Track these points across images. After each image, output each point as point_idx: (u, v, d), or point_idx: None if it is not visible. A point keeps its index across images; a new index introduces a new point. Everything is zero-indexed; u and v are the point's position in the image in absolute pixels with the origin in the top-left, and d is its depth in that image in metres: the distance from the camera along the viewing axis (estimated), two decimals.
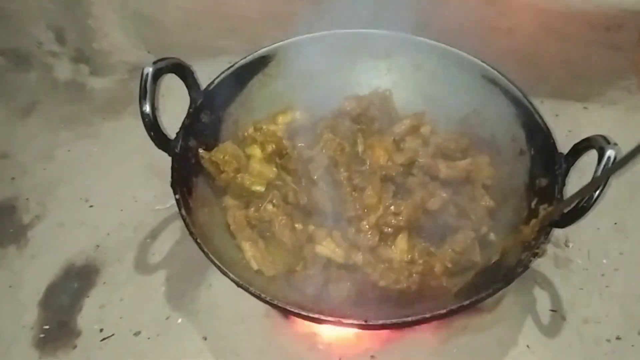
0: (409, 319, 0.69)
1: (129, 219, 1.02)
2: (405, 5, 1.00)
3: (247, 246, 0.83)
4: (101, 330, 0.88)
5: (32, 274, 0.96)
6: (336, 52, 1.02)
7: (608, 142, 0.72)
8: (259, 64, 0.98)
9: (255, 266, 0.82)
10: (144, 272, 0.95)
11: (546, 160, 0.83)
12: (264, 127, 0.96)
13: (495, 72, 0.92)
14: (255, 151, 0.93)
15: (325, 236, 0.84)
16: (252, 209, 0.87)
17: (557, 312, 0.88)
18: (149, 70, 0.80)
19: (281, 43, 0.98)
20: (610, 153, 0.71)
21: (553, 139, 0.83)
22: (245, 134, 0.95)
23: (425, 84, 1.02)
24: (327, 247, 0.83)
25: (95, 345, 0.87)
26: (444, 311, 0.68)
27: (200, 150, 0.88)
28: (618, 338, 0.86)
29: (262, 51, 0.97)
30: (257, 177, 0.90)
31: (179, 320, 0.88)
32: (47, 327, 0.89)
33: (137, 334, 0.88)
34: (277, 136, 0.93)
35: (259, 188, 0.89)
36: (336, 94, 1.03)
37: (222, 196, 0.90)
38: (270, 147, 0.92)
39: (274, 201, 0.87)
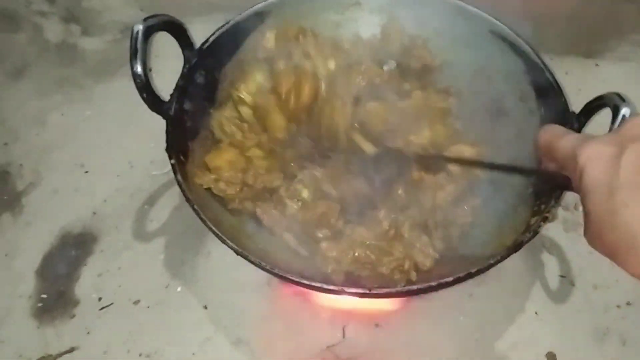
0: (414, 287, 0.67)
1: (125, 185, 1.00)
2: None
3: None
4: (100, 299, 0.87)
5: (27, 242, 0.94)
6: (336, 7, 0.97)
7: (623, 100, 0.68)
8: (255, 20, 0.93)
9: None
10: (142, 240, 0.93)
11: (557, 120, 0.78)
12: (245, 118, 0.89)
13: (504, 27, 0.88)
14: (256, 152, 0.87)
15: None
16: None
17: (566, 278, 0.86)
18: (140, 27, 0.76)
19: None
20: (625, 111, 0.67)
21: (565, 97, 0.79)
22: (232, 139, 0.87)
23: (429, 41, 0.97)
24: None
25: (93, 315, 0.85)
26: (450, 279, 0.66)
27: (200, 181, 0.82)
28: (628, 304, 0.84)
29: (258, 7, 0.92)
30: (270, 172, 0.85)
31: (179, 289, 0.87)
32: (44, 296, 0.88)
33: (136, 302, 0.86)
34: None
35: (278, 182, 0.84)
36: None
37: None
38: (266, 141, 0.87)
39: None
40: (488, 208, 0.82)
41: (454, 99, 0.93)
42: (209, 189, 0.83)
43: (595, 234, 0.47)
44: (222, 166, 0.84)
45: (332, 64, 0.91)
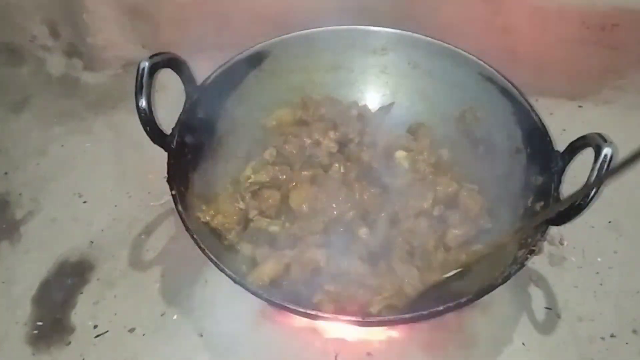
0: (407, 316, 0.70)
1: (123, 215, 1.02)
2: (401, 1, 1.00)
3: None
4: (95, 326, 0.88)
5: (25, 270, 0.95)
6: (332, 48, 1.02)
7: (605, 140, 0.72)
8: (254, 60, 0.97)
9: None
10: (139, 269, 0.94)
11: (542, 158, 0.83)
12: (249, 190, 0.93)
13: (493, 70, 0.92)
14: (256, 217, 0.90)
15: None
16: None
17: (552, 310, 0.88)
18: (145, 64, 0.79)
19: (277, 39, 0.98)
20: (607, 151, 0.71)
21: (550, 137, 0.83)
22: (240, 206, 0.90)
23: (421, 82, 1.02)
24: None
25: (89, 342, 0.86)
26: (441, 308, 0.68)
27: (198, 215, 0.85)
28: (612, 336, 0.86)
29: (257, 47, 0.97)
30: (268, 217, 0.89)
31: (174, 317, 0.88)
32: (40, 323, 0.89)
33: (131, 330, 0.87)
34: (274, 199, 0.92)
35: (275, 228, 0.88)
36: (333, 91, 1.04)
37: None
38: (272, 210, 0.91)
39: None
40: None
41: (445, 150, 0.97)
42: (206, 224, 0.86)
43: None
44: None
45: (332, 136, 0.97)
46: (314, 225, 0.86)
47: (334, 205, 0.88)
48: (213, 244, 0.82)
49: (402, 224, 0.87)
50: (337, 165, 0.93)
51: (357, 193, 0.89)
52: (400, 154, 0.96)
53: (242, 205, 0.90)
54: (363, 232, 0.86)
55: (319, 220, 0.87)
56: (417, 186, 0.91)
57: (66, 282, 0.94)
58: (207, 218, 0.86)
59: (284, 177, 0.92)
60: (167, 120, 0.87)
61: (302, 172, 0.92)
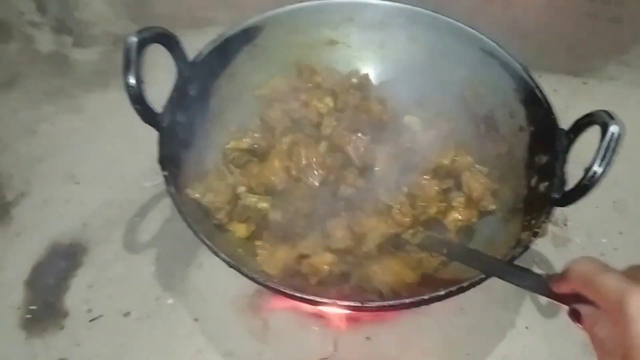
0: (407, 300, 0.68)
1: (116, 196, 1.00)
2: None
3: None
4: (89, 310, 0.86)
5: (17, 253, 0.93)
6: (328, 22, 0.99)
7: (612, 118, 0.69)
8: (248, 35, 0.94)
9: None
10: (133, 251, 0.93)
11: (546, 136, 0.80)
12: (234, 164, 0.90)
13: (495, 44, 0.89)
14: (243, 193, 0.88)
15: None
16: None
17: None
18: (134, 39, 0.76)
19: (270, 13, 0.94)
20: (614, 129, 0.68)
21: (554, 115, 0.80)
22: (228, 180, 0.87)
23: (420, 57, 0.99)
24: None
25: (83, 326, 0.85)
26: (442, 292, 0.66)
27: (188, 191, 0.82)
28: None
29: (251, 21, 0.93)
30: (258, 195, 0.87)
31: (170, 301, 0.86)
32: (33, 307, 0.87)
33: (126, 314, 0.86)
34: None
35: (265, 205, 0.85)
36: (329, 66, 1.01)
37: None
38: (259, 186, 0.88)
39: None
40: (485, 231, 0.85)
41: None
42: (197, 202, 0.83)
43: None
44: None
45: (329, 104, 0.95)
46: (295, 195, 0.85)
47: (317, 171, 0.86)
48: (207, 227, 0.80)
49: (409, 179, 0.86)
50: (328, 118, 0.91)
51: (353, 147, 0.88)
52: (410, 118, 0.94)
53: (230, 179, 0.87)
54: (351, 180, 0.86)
55: (299, 189, 0.85)
56: (437, 143, 0.90)
57: (59, 265, 0.92)
58: (197, 195, 0.83)
59: (265, 143, 0.90)
60: (159, 98, 0.84)
61: (282, 139, 0.89)
